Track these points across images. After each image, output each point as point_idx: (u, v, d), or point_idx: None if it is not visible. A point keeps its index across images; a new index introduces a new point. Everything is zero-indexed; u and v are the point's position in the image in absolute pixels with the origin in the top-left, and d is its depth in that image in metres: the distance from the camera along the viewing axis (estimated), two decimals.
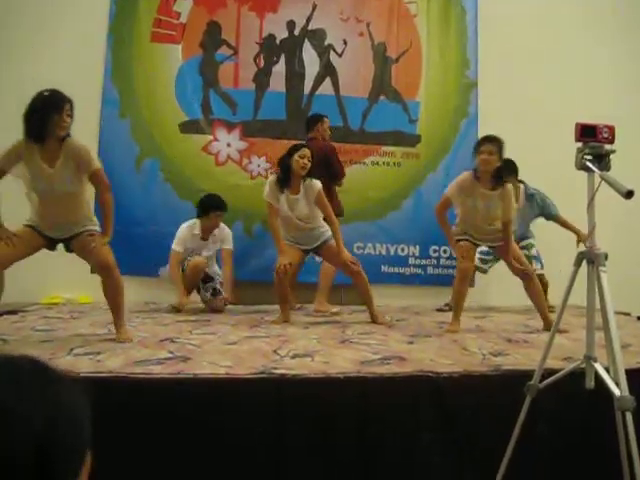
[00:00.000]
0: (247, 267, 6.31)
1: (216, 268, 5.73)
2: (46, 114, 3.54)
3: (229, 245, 5.69)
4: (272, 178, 5.01)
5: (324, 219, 5.05)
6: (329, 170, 5.73)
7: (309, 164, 4.85)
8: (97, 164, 3.79)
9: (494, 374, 3.13)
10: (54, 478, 0.75)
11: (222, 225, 5.69)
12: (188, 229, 5.56)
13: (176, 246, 5.48)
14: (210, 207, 5.56)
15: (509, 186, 4.57)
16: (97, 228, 3.86)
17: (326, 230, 5.02)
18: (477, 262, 5.65)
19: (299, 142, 5.26)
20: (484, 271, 6.01)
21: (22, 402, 0.75)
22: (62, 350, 3.36)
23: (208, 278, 5.59)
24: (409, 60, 7.00)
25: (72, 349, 3.38)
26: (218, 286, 5.58)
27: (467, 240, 4.67)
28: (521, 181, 5.80)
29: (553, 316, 4.32)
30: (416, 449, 2.94)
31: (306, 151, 4.87)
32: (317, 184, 4.93)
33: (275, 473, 2.82)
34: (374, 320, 4.93)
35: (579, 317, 4.51)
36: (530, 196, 5.83)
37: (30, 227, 3.77)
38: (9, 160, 3.64)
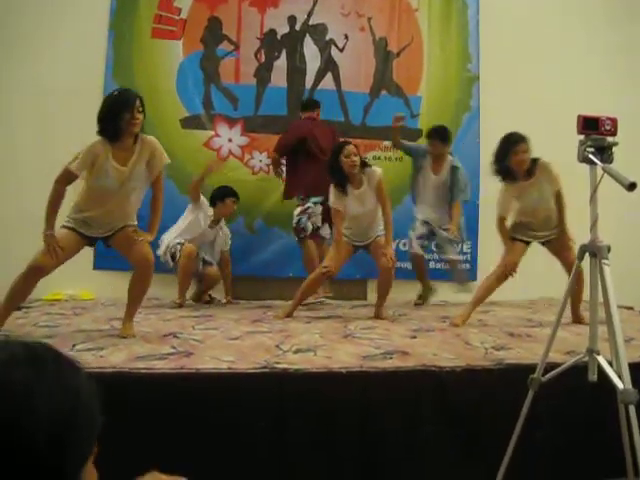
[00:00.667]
0: (248, 262, 6.31)
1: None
2: (118, 113, 3.65)
3: (227, 247, 5.90)
4: (332, 189, 4.95)
5: None
6: (304, 148, 5.86)
7: (357, 159, 4.81)
8: (167, 157, 3.96)
9: (497, 368, 3.12)
10: (68, 461, 0.77)
11: (222, 224, 5.85)
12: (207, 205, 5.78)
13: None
14: (226, 194, 5.76)
15: (542, 161, 4.56)
16: (136, 223, 3.97)
17: (381, 225, 5.02)
18: (417, 249, 5.87)
19: (340, 142, 5.13)
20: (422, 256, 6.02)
21: (43, 384, 0.76)
22: (65, 346, 3.35)
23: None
24: (410, 55, 6.99)
25: (75, 345, 3.38)
26: (208, 257, 5.76)
27: (519, 240, 4.70)
28: (451, 153, 5.91)
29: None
30: (418, 443, 2.94)
31: (350, 148, 4.82)
32: (377, 170, 4.92)
33: (277, 468, 2.82)
34: (377, 315, 4.92)
35: (583, 311, 4.53)
36: (454, 169, 5.87)
37: (72, 230, 3.79)
38: (85, 164, 3.67)
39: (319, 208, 5.75)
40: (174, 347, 3.39)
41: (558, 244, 4.58)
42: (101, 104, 3.80)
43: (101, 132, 3.72)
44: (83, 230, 3.82)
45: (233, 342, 3.64)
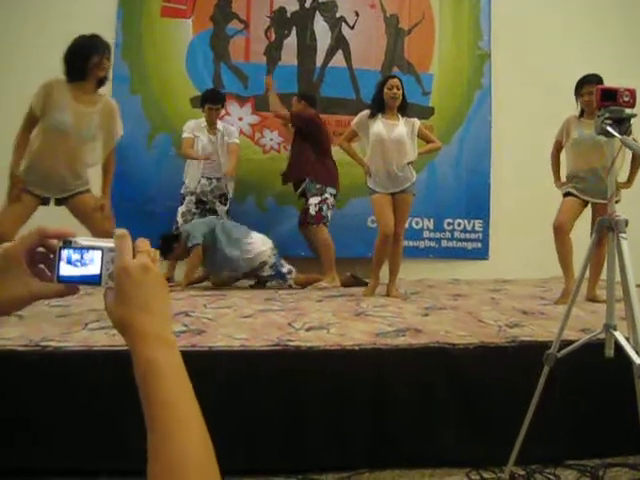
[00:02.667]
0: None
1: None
2: (88, 55, 3.76)
3: (234, 139, 6.01)
4: (365, 112, 5.17)
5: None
6: (321, 139, 6.02)
7: (399, 92, 5.03)
8: (122, 132, 4.05)
9: (510, 345, 3.10)
10: None
11: (226, 124, 6.07)
12: (195, 121, 5.97)
13: (185, 134, 5.92)
14: (204, 100, 5.92)
15: None
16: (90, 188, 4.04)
17: (413, 177, 5.08)
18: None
19: (386, 75, 5.66)
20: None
21: None
22: (77, 325, 3.36)
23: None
24: (422, 32, 6.93)
25: (87, 324, 3.38)
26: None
27: (573, 195, 4.72)
28: None
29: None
30: (431, 421, 2.93)
31: (394, 81, 5.05)
32: (417, 120, 5.19)
33: (290, 444, 2.81)
34: (389, 292, 4.93)
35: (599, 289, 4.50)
36: None
37: (24, 191, 3.83)
38: (40, 98, 3.74)
39: (333, 200, 5.92)
40: (186, 325, 3.38)
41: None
42: (70, 44, 3.86)
43: (67, 71, 3.79)
44: (37, 191, 3.86)
45: (246, 320, 3.63)
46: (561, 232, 4.61)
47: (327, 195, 5.89)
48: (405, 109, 5.14)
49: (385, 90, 5.02)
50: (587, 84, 4.63)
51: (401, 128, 5.00)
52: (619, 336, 2.15)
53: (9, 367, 2.71)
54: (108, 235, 2.98)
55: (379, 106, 5.05)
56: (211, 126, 5.89)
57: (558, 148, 4.96)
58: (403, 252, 5.12)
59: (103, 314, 3.35)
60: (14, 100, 3.99)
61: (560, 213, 4.68)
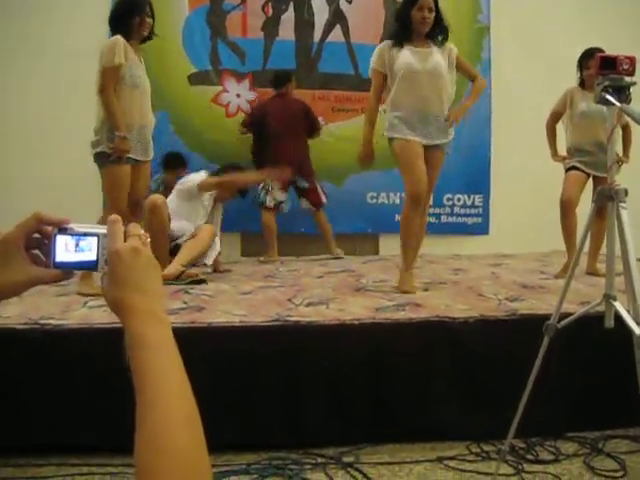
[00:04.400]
0: (259, 220, 6.27)
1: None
2: (131, 15, 3.88)
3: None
4: (383, 43, 4.02)
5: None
6: (311, 124, 6.08)
7: (431, 16, 3.84)
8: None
9: (510, 318, 3.10)
10: None
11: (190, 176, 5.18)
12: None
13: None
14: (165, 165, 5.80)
15: None
16: None
17: (452, 131, 3.96)
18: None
19: None
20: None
21: None
22: (77, 303, 3.37)
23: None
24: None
25: (86, 302, 3.38)
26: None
27: (577, 169, 4.68)
28: None
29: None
30: (432, 394, 2.93)
31: (425, 1, 3.81)
32: (453, 47, 3.99)
33: (291, 419, 2.82)
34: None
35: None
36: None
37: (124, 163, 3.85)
38: (121, 53, 3.77)
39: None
40: (185, 302, 3.38)
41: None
42: (114, 6, 4.03)
43: (117, 32, 3.85)
44: (132, 154, 3.89)
45: (245, 297, 3.63)
46: (569, 207, 4.59)
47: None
48: (439, 35, 3.95)
49: (413, 11, 3.82)
50: (591, 58, 4.57)
51: (437, 56, 3.84)
52: (619, 306, 2.14)
53: (9, 345, 2.71)
54: (137, 204, 2.97)
55: (404, 32, 3.89)
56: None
57: (555, 119, 4.90)
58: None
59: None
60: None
61: (566, 188, 4.66)
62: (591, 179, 4.65)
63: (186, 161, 5.82)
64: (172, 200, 4.72)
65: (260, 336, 2.87)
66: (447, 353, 2.97)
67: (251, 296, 3.64)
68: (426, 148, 3.86)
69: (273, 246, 5.96)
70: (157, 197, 4.53)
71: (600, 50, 4.40)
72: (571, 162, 4.71)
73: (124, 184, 3.83)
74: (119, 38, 3.79)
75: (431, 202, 4.80)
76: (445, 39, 3.94)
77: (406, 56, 3.82)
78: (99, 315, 2.99)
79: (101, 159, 3.80)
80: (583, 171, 4.64)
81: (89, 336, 2.77)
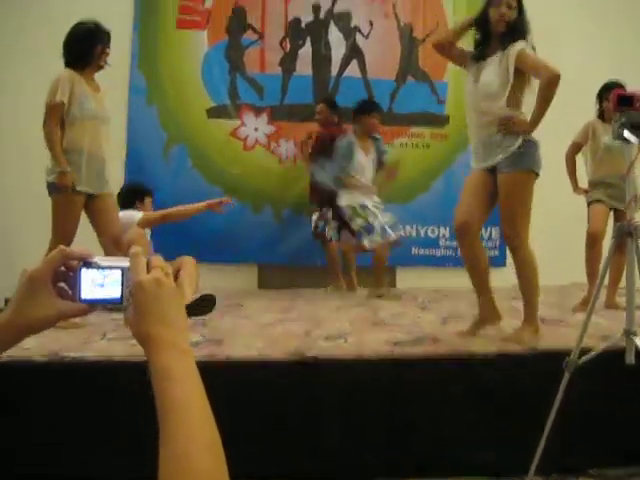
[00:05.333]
0: (276, 252, 6.31)
1: None
2: (93, 44, 3.84)
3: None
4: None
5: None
6: None
7: (511, 13, 3.32)
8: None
9: (530, 354, 3.08)
10: None
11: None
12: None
13: None
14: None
15: None
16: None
17: (515, 142, 3.29)
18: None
19: None
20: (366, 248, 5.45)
21: None
22: (96, 335, 3.38)
23: None
24: None
25: (106, 333, 3.40)
26: None
27: (601, 202, 4.65)
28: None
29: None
30: (451, 430, 2.91)
31: None
32: (517, 45, 3.29)
33: (307, 452, 2.81)
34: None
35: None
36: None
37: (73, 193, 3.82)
38: (66, 90, 3.73)
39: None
40: (203, 335, 3.39)
41: None
42: (71, 33, 3.90)
43: (73, 60, 3.83)
44: (83, 187, 3.86)
45: (263, 330, 3.63)
46: (596, 240, 4.57)
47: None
48: (514, 34, 3.33)
49: (490, 10, 3.35)
50: (612, 89, 4.61)
51: (489, 70, 3.34)
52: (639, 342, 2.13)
53: (28, 378, 2.73)
54: (117, 241, 2.96)
55: (484, 37, 3.45)
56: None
57: (576, 151, 4.88)
58: (420, 260, 4.92)
59: (121, 323, 3.37)
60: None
61: (593, 221, 4.63)
62: (612, 212, 4.64)
63: (146, 190, 5.25)
64: None
65: (279, 370, 2.87)
66: (467, 389, 2.95)
67: (269, 329, 3.65)
68: (492, 172, 3.42)
69: (338, 275, 5.91)
70: (134, 232, 4.40)
71: (620, 85, 4.43)
72: (595, 195, 4.69)
73: (70, 215, 3.82)
74: (65, 74, 3.78)
75: (447, 235, 4.68)
76: (512, 40, 3.30)
77: (468, 73, 3.46)
78: (119, 348, 3.01)
79: (50, 188, 3.82)
80: (606, 204, 4.62)
81: (109, 369, 2.78)
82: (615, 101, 2.14)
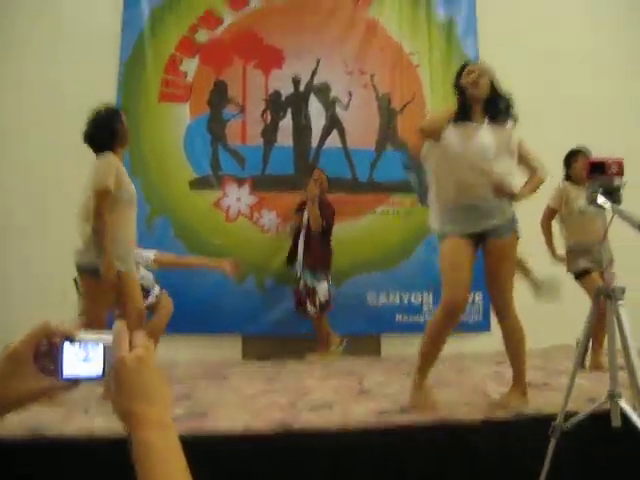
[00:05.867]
0: (260, 322, 6.28)
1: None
2: (121, 124, 3.91)
3: None
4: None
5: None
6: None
7: (481, 80, 3.41)
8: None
9: (516, 420, 3.07)
10: None
11: None
12: None
13: None
14: None
15: None
16: None
17: (509, 213, 3.40)
18: None
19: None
20: None
21: None
22: (77, 410, 3.33)
23: None
24: (414, 110, 7.05)
25: (87, 409, 3.34)
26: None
27: (590, 271, 4.67)
28: None
29: None
30: None
31: (472, 66, 3.52)
32: (510, 124, 3.46)
33: None
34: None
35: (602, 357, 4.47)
36: None
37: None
38: (112, 175, 3.71)
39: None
40: (187, 408, 3.35)
41: None
42: (95, 119, 3.89)
43: (110, 143, 3.82)
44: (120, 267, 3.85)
45: (247, 401, 3.59)
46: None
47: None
48: (498, 110, 3.45)
49: (462, 80, 3.47)
50: (578, 154, 4.79)
51: (486, 136, 3.36)
52: (624, 405, 2.13)
53: (8, 455, 2.67)
54: (141, 313, 2.91)
55: (463, 107, 3.45)
56: None
57: (552, 216, 4.92)
58: (404, 327, 4.92)
59: (103, 399, 3.31)
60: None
61: (591, 289, 4.63)
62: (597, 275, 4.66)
63: None
64: None
65: (264, 443, 2.83)
66: (454, 456, 2.92)
67: (254, 400, 3.61)
68: (479, 237, 3.41)
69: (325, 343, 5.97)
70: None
71: (583, 152, 4.55)
72: (581, 264, 4.72)
73: (105, 297, 3.81)
74: (111, 156, 3.78)
75: (431, 301, 4.66)
76: (506, 116, 3.44)
77: (450, 135, 3.36)
78: (99, 424, 2.96)
79: (85, 269, 3.78)
80: (595, 270, 4.64)
81: (90, 445, 2.74)
82: (588, 168, 2.20)
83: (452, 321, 3.30)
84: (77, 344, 0.93)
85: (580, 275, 4.72)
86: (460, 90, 3.46)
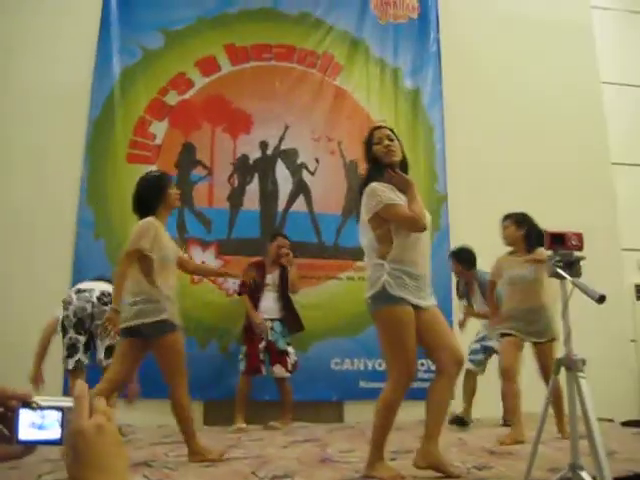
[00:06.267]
0: (222, 387, 6.18)
1: None
2: (167, 189, 4.02)
3: None
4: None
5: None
6: None
7: (394, 145, 3.61)
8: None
9: None
10: None
11: None
12: None
13: None
14: None
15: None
16: None
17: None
18: (469, 365, 5.54)
19: (371, 129, 3.78)
20: (481, 371, 5.79)
21: None
22: (30, 477, 3.23)
23: None
24: None
25: (40, 475, 3.25)
26: None
27: (512, 335, 4.71)
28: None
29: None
30: None
31: (379, 132, 3.65)
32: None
33: None
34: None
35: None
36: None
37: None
38: (150, 238, 3.81)
39: None
40: (146, 476, 3.27)
41: (548, 350, 4.60)
42: (143, 184, 4.05)
43: (153, 207, 3.94)
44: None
45: (208, 469, 3.52)
46: (508, 376, 4.64)
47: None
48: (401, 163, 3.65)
49: (374, 148, 3.54)
50: (505, 219, 4.94)
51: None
52: (586, 476, 2.14)
53: None
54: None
55: (374, 172, 3.51)
56: None
57: (492, 288, 5.07)
58: (368, 394, 4.88)
59: (59, 464, 3.24)
60: None
61: (504, 357, 4.74)
62: (532, 346, 4.73)
63: None
64: None
65: None
66: None
67: (214, 469, 3.53)
68: (422, 310, 3.32)
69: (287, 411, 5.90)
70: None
71: (515, 214, 4.66)
72: (504, 328, 4.79)
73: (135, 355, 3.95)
74: (152, 222, 3.88)
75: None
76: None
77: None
78: None
79: (160, 327, 3.88)
80: (517, 336, 4.72)
81: None
82: (548, 240, 2.24)
83: (405, 392, 3.35)
84: (34, 409, 0.92)
85: (502, 336, 4.83)
86: (374, 159, 3.54)
